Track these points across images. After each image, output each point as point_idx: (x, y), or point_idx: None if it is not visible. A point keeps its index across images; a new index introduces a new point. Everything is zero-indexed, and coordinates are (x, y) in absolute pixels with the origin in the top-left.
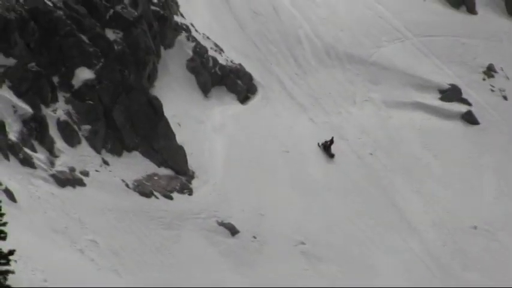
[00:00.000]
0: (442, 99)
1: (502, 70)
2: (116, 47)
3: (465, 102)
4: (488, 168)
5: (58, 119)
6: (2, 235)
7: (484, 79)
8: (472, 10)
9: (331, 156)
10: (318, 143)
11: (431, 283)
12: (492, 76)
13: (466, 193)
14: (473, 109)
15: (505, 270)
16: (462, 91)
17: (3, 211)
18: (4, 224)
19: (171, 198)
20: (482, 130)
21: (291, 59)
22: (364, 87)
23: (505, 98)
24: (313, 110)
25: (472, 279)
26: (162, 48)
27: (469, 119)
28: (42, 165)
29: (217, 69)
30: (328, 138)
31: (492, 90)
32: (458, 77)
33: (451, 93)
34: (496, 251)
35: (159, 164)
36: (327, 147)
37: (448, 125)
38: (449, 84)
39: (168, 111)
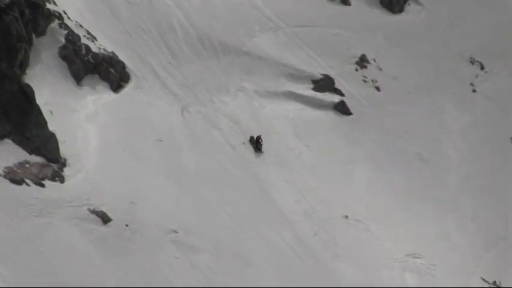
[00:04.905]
0: (314, 89)
1: (375, 61)
2: None
3: (338, 92)
4: (360, 159)
5: None
6: None
7: (356, 70)
8: (345, 1)
9: (260, 150)
10: (251, 139)
11: (302, 271)
12: (365, 67)
13: (337, 183)
14: (345, 99)
15: (374, 259)
16: (335, 81)
17: None
18: None
19: (42, 185)
20: (355, 121)
21: (165, 48)
22: (238, 77)
23: (377, 88)
24: (187, 99)
25: (342, 268)
26: (34, 35)
27: (342, 109)
28: None
29: (90, 57)
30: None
31: (365, 81)
32: (330, 68)
33: (324, 84)
34: (366, 240)
35: (31, 152)
36: (256, 142)
37: (321, 115)
38: (322, 75)
39: (40, 99)
